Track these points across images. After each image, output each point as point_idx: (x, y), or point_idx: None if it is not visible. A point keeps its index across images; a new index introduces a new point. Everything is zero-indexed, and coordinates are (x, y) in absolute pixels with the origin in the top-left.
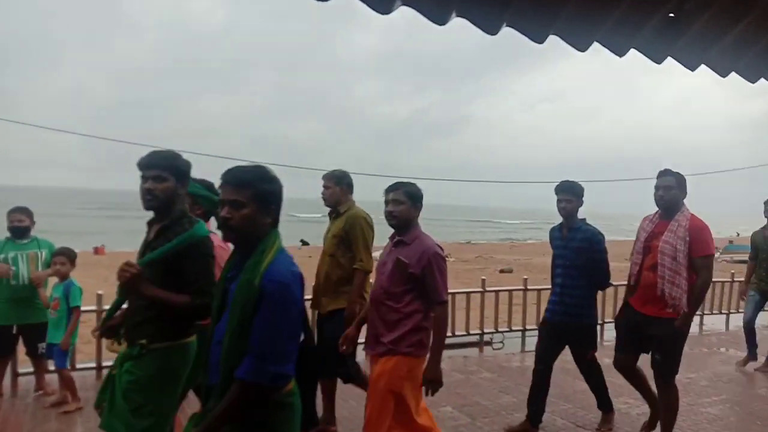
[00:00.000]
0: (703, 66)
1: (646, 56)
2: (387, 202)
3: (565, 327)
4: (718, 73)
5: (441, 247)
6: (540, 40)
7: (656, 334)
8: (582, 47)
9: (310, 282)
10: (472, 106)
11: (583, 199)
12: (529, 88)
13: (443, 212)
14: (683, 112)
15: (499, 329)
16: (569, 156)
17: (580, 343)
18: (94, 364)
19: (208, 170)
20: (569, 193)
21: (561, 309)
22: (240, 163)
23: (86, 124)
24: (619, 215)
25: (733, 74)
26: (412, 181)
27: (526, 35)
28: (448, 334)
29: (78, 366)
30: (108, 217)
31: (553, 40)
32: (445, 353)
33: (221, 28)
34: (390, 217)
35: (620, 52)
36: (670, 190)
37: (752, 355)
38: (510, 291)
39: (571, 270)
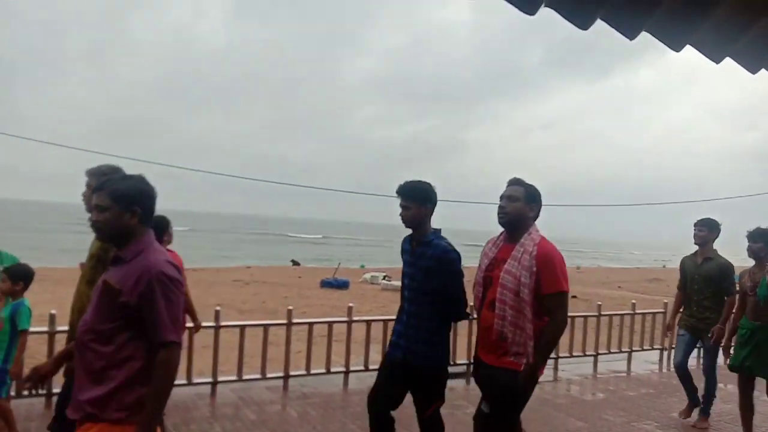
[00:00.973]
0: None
1: (741, 65)
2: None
3: (407, 367)
4: None
5: (176, 265)
6: (632, 36)
7: (491, 386)
8: (676, 47)
9: (257, 308)
10: (470, 131)
11: (431, 205)
12: (525, 116)
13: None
14: (677, 141)
15: None
16: (565, 180)
17: (422, 391)
18: (43, 391)
19: (206, 186)
20: (409, 198)
21: (404, 343)
22: (236, 179)
23: (84, 140)
24: (622, 242)
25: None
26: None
27: (618, 30)
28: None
29: (25, 393)
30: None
31: (645, 37)
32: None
33: (224, 49)
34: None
35: (716, 58)
36: (514, 201)
37: (694, 400)
38: None
39: (420, 295)
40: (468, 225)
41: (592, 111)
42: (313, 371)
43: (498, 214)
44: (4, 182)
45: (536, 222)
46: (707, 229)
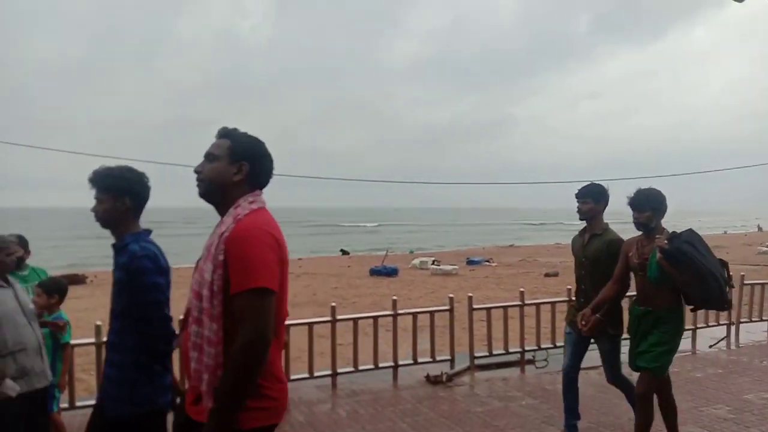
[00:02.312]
0: None
1: None
2: None
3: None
4: None
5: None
6: None
7: None
8: None
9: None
10: (515, 107)
11: (129, 196)
12: (574, 85)
13: (485, 216)
14: (728, 104)
15: (542, 345)
16: (617, 149)
17: None
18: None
19: None
20: (102, 190)
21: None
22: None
23: (134, 146)
24: (680, 211)
25: None
26: (451, 186)
27: None
28: (485, 353)
29: (78, 404)
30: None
31: None
32: (482, 375)
33: (266, 44)
34: None
35: None
36: (213, 161)
37: (569, 421)
38: (553, 303)
39: (114, 320)
40: (521, 203)
41: (643, 75)
42: (361, 367)
43: (197, 185)
44: (52, 191)
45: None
46: (592, 200)
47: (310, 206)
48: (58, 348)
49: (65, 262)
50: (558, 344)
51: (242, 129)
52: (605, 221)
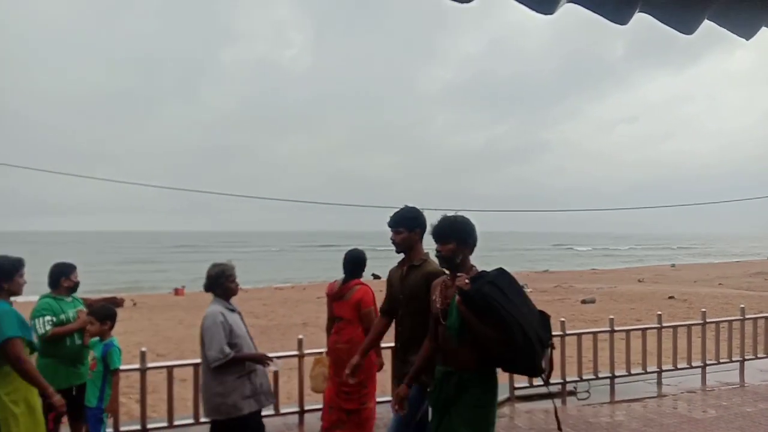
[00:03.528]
0: None
1: None
2: None
3: None
4: None
5: None
6: (748, 36)
7: None
8: (746, 35)
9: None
10: (549, 131)
11: None
12: (608, 111)
13: (520, 240)
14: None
15: (584, 376)
16: (652, 173)
17: None
18: (138, 426)
19: (283, 210)
20: None
21: None
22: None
23: (173, 173)
24: (715, 236)
25: None
26: (483, 212)
27: (732, 31)
28: (525, 384)
29: (122, 429)
30: (193, 260)
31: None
32: (523, 406)
33: (306, 72)
34: None
35: None
36: None
37: None
38: (595, 333)
39: None
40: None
41: (680, 100)
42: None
43: None
44: (95, 215)
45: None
46: (405, 228)
47: (344, 230)
48: (108, 373)
49: (98, 287)
50: (600, 375)
51: (283, 154)
52: (425, 250)
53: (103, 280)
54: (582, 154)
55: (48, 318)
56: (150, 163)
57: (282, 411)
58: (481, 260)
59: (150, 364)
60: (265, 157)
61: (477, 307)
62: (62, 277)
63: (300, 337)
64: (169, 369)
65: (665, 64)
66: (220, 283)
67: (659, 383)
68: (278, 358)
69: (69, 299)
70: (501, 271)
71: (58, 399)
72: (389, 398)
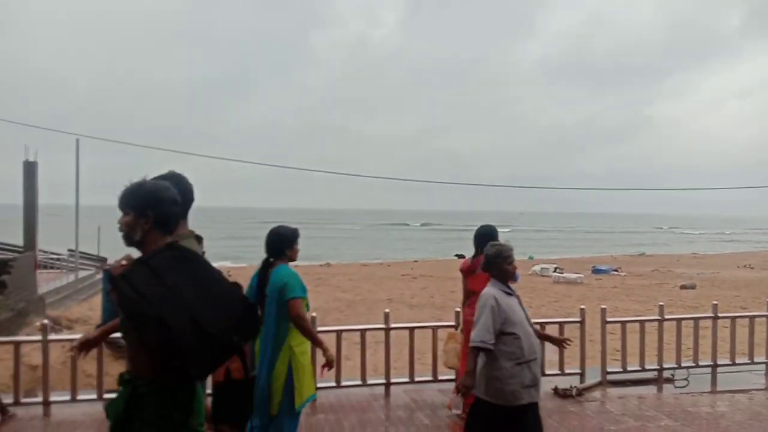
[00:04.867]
0: None
1: None
2: None
3: None
4: None
5: None
6: None
7: None
8: None
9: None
10: (655, 107)
11: None
12: (716, 86)
13: (616, 221)
14: None
15: (683, 364)
16: (760, 156)
17: None
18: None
19: (369, 189)
20: None
21: None
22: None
23: (267, 152)
24: None
25: None
26: (580, 190)
27: None
28: (618, 369)
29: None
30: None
31: None
32: (615, 392)
33: (398, 51)
34: None
35: None
36: None
37: None
38: (696, 319)
39: None
40: (658, 209)
41: None
42: None
43: None
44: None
45: None
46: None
47: (435, 209)
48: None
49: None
50: (701, 363)
51: (373, 135)
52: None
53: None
54: (690, 132)
55: None
56: (246, 143)
57: (369, 382)
58: (578, 241)
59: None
60: (357, 137)
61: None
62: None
63: (386, 311)
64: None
65: None
66: (497, 263)
67: None
68: (367, 330)
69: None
70: (170, 247)
71: (330, 354)
72: None
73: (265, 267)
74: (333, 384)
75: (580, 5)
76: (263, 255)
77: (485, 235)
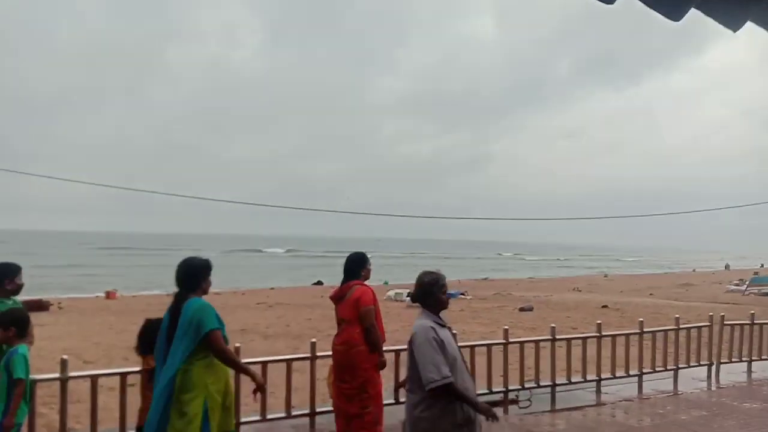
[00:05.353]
0: None
1: None
2: None
3: None
4: None
5: None
6: (735, 28)
7: None
8: (733, 26)
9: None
10: (495, 144)
11: None
12: (550, 125)
13: (463, 249)
14: (703, 147)
15: (526, 385)
16: (589, 190)
17: None
18: None
19: (230, 214)
20: None
21: None
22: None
23: (119, 173)
24: (649, 249)
25: None
26: (426, 218)
27: (720, 22)
28: (483, 390)
29: None
30: (127, 264)
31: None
32: None
33: (258, 76)
34: None
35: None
36: None
37: None
38: (537, 341)
39: None
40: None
41: (619, 119)
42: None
43: None
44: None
45: None
46: None
47: (290, 234)
48: (13, 384)
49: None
50: (542, 383)
51: (230, 157)
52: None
53: (29, 283)
54: (526, 167)
55: None
56: (87, 162)
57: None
58: (429, 266)
59: (73, 373)
60: (211, 160)
61: None
62: (6, 279)
63: (237, 344)
64: (94, 378)
65: (607, 83)
66: (432, 292)
67: (598, 391)
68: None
69: (10, 302)
70: None
71: (259, 378)
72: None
73: (177, 300)
74: None
75: (435, 46)
76: (107, 284)
77: (356, 261)
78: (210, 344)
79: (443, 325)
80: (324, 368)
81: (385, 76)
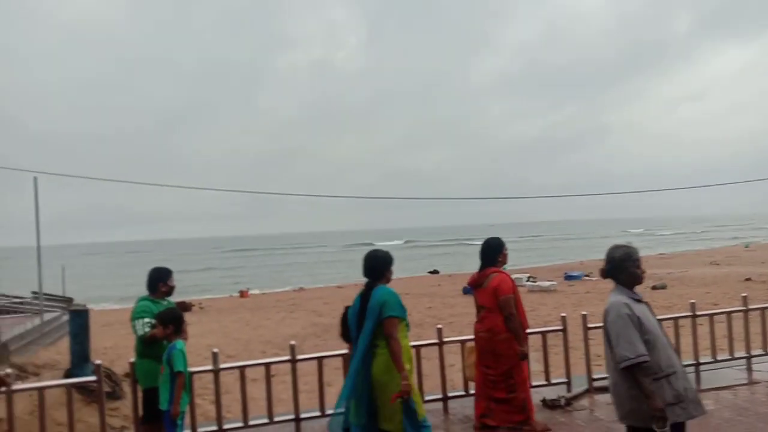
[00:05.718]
0: None
1: None
2: None
3: None
4: None
5: None
6: None
7: None
8: None
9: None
10: (611, 114)
11: None
12: (671, 89)
13: (581, 228)
14: None
15: None
16: (717, 156)
17: None
18: (215, 427)
19: (345, 209)
20: None
21: None
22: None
23: (239, 178)
24: None
25: None
26: (538, 198)
27: None
28: (604, 375)
29: (200, 430)
30: (256, 264)
31: None
32: (602, 398)
33: (360, 72)
34: None
35: None
36: None
37: None
38: (675, 319)
39: None
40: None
41: (750, 73)
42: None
43: None
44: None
45: None
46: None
47: (402, 227)
48: (174, 376)
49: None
50: (685, 363)
51: (337, 155)
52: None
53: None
54: (645, 136)
55: (147, 320)
56: (212, 170)
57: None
58: (548, 249)
59: (222, 365)
60: (323, 159)
61: None
62: (160, 282)
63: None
64: (242, 369)
65: (735, 36)
66: (625, 267)
67: (749, 369)
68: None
69: (165, 302)
70: None
71: (407, 384)
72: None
73: (367, 288)
74: (241, 424)
75: (537, 20)
76: (239, 284)
77: (492, 247)
78: (384, 328)
79: (639, 300)
80: (449, 355)
81: (486, 55)
